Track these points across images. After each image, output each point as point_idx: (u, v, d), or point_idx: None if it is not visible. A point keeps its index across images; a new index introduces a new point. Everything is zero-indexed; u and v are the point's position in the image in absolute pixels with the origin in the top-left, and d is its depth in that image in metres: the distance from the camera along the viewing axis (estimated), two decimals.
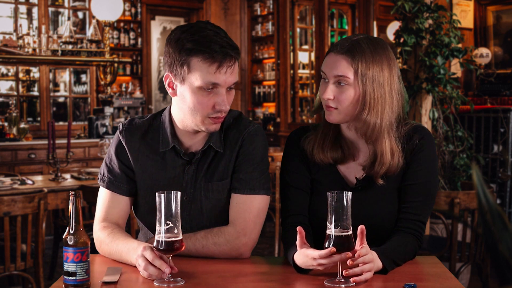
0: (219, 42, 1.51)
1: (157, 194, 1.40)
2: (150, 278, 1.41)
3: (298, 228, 1.42)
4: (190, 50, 1.51)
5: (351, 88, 1.55)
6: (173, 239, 1.39)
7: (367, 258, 1.37)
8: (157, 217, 1.40)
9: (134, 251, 1.48)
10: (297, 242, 1.42)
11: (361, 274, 1.37)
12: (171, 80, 1.58)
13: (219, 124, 1.60)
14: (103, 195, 1.68)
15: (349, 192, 1.38)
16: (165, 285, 1.38)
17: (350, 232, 1.37)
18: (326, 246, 1.37)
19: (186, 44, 1.52)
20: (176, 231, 1.39)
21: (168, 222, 1.39)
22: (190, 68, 1.52)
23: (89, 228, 3.76)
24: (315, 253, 1.37)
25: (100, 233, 1.63)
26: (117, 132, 1.71)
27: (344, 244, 1.36)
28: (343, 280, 1.37)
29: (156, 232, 1.40)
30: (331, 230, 1.37)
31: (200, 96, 1.54)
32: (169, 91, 1.60)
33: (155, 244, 1.40)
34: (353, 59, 1.55)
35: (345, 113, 1.57)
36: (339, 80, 1.56)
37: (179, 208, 1.40)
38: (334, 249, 1.34)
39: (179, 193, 1.40)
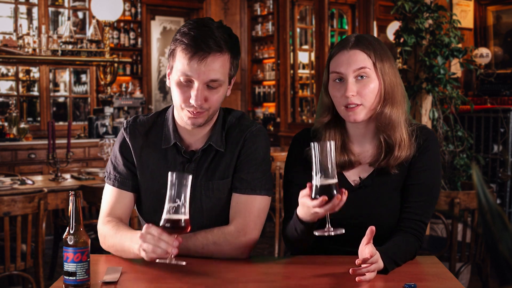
0: (202, 35, 1.51)
1: (169, 173, 1.40)
2: (156, 256, 1.40)
3: (308, 183, 1.42)
4: (177, 40, 1.54)
5: (373, 80, 1.56)
6: (180, 217, 1.39)
7: (375, 259, 1.37)
8: (167, 196, 1.39)
9: (138, 239, 1.48)
10: (303, 192, 1.42)
11: (364, 274, 1.37)
12: (168, 71, 1.60)
13: (199, 119, 1.57)
14: (109, 191, 1.69)
15: (331, 141, 1.39)
16: (167, 262, 1.39)
17: (335, 180, 1.38)
18: (313, 196, 1.38)
19: (177, 35, 1.55)
20: (183, 210, 1.39)
21: (176, 201, 1.39)
22: (174, 58, 1.55)
23: (89, 228, 3.76)
24: (311, 202, 1.39)
25: (104, 227, 1.63)
26: (122, 129, 1.73)
27: (331, 192, 1.37)
28: (332, 229, 1.41)
29: (164, 211, 1.40)
30: (316, 179, 1.38)
31: (178, 87, 1.55)
32: (167, 82, 1.62)
33: (161, 222, 1.40)
34: (368, 51, 1.56)
35: (369, 108, 1.57)
36: (359, 74, 1.55)
37: (188, 191, 1.39)
38: (326, 197, 1.36)
39: (190, 176, 1.40)
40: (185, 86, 1.54)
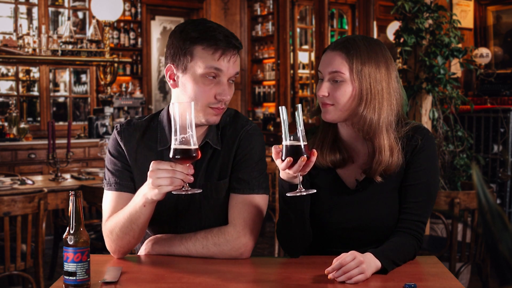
0: (222, 32, 1.55)
1: (171, 104, 1.45)
2: (173, 188, 1.39)
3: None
4: (195, 38, 1.54)
5: (347, 85, 1.55)
6: (190, 147, 1.38)
7: (349, 266, 1.38)
8: (177, 127, 1.39)
9: (140, 190, 1.48)
10: (276, 152, 1.45)
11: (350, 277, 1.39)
12: (173, 71, 1.59)
13: (219, 116, 1.60)
14: (109, 196, 1.65)
15: (298, 105, 1.44)
16: (183, 193, 1.41)
17: (303, 143, 1.42)
18: (283, 158, 1.42)
19: (191, 34, 1.55)
20: (191, 141, 1.39)
21: (183, 132, 1.39)
22: (193, 56, 1.54)
23: (89, 228, 3.77)
24: (281, 164, 1.44)
25: (107, 224, 1.59)
26: (115, 133, 1.69)
27: (298, 153, 1.41)
28: (303, 189, 1.45)
29: (172, 143, 1.39)
30: (285, 142, 1.43)
31: (202, 85, 1.55)
32: (170, 82, 1.60)
33: (171, 153, 1.39)
34: (347, 54, 1.55)
35: (341, 110, 1.57)
36: (334, 77, 1.56)
37: (193, 117, 1.40)
38: (291, 159, 1.41)
39: (192, 103, 1.42)
40: (211, 83, 1.55)
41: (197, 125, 1.56)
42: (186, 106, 1.40)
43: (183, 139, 1.38)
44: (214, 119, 1.59)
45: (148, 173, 1.41)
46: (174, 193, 1.41)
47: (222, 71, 1.54)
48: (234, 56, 1.56)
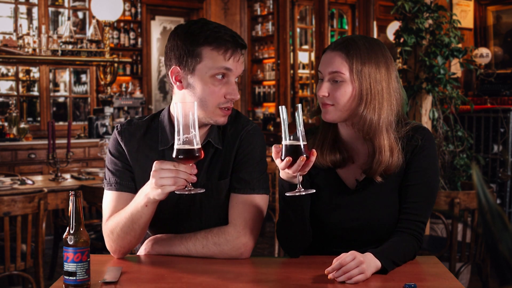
0: (228, 32, 1.57)
1: (174, 104, 1.50)
2: (176, 187, 1.39)
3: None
4: (202, 39, 1.55)
5: (347, 85, 1.55)
6: (193, 147, 1.38)
7: (349, 266, 1.38)
8: (180, 128, 1.39)
9: (142, 190, 1.48)
10: (275, 152, 1.45)
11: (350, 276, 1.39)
12: (179, 73, 1.58)
13: (227, 116, 1.61)
14: (109, 196, 1.65)
15: (298, 105, 1.45)
16: (186, 193, 1.41)
17: (303, 143, 1.42)
18: (282, 157, 1.43)
19: (198, 35, 1.55)
20: (194, 141, 1.39)
21: (186, 132, 1.39)
22: (202, 57, 1.55)
23: (89, 228, 3.77)
24: (280, 164, 1.44)
25: (108, 223, 1.59)
26: (115, 133, 1.69)
27: (297, 153, 1.42)
28: (302, 189, 1.45)
29: (175, 143, 1.39)
30: (284, 141, 1.43)
31: (212, 85, 1.56)
32: (176, 84, 1.59)
33: (174, 153, 1.39)
34: (347, 54, 1.55)
35: (341, 110, 1.57)
36: (334, 77, 1.56)
37: (196, 118, 1.40)
38: (291, 158, 1.41)
39: (195, 102, 1.44)
40: (220, 83, 1.56)
41: (200, 125, 1.56)
42: (189, 106, 1.41)
43: (186, 139, 1.39)
44: (223, 120, 1.60)
45: (151, 173, 1.41)
46: (177, 193, 1.41)
47: (232, 71, 1.56)
48: (242, 56, 1.60)
